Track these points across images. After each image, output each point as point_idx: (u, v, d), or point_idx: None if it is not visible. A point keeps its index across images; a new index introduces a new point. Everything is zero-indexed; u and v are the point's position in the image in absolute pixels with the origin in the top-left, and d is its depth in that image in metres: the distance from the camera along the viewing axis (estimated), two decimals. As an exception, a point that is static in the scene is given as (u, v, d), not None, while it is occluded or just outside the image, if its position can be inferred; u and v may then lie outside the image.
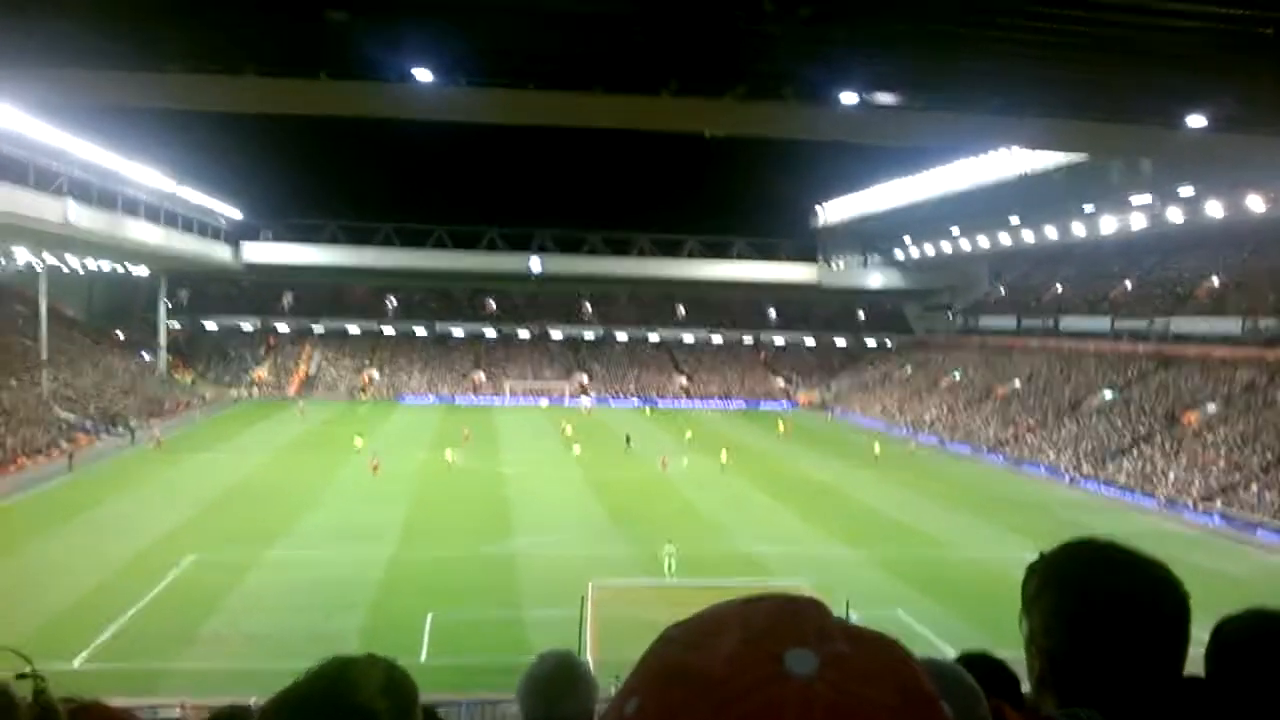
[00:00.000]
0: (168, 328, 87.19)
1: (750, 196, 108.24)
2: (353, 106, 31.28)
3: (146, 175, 65.71)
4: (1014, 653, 3.05)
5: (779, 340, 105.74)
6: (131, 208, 67.10)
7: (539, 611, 26.35)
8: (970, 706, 1.97)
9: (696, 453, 57.17)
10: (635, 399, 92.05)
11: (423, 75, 27.51)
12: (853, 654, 0.67)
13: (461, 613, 26.97)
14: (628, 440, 60.65)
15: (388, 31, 23.86)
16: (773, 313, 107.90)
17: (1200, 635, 1.64)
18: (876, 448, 61.12)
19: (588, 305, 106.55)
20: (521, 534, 36.66)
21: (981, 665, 2.83)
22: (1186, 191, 61.19)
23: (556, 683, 2.91)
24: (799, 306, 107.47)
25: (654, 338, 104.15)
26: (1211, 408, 55.92)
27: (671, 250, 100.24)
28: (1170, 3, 20.69)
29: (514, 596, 28.66)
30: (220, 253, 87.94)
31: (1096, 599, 1.54)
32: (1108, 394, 64.64)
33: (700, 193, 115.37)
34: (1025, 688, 1.84)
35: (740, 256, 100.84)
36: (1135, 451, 54.01)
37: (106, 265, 77.84)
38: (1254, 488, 44.64)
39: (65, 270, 72.46)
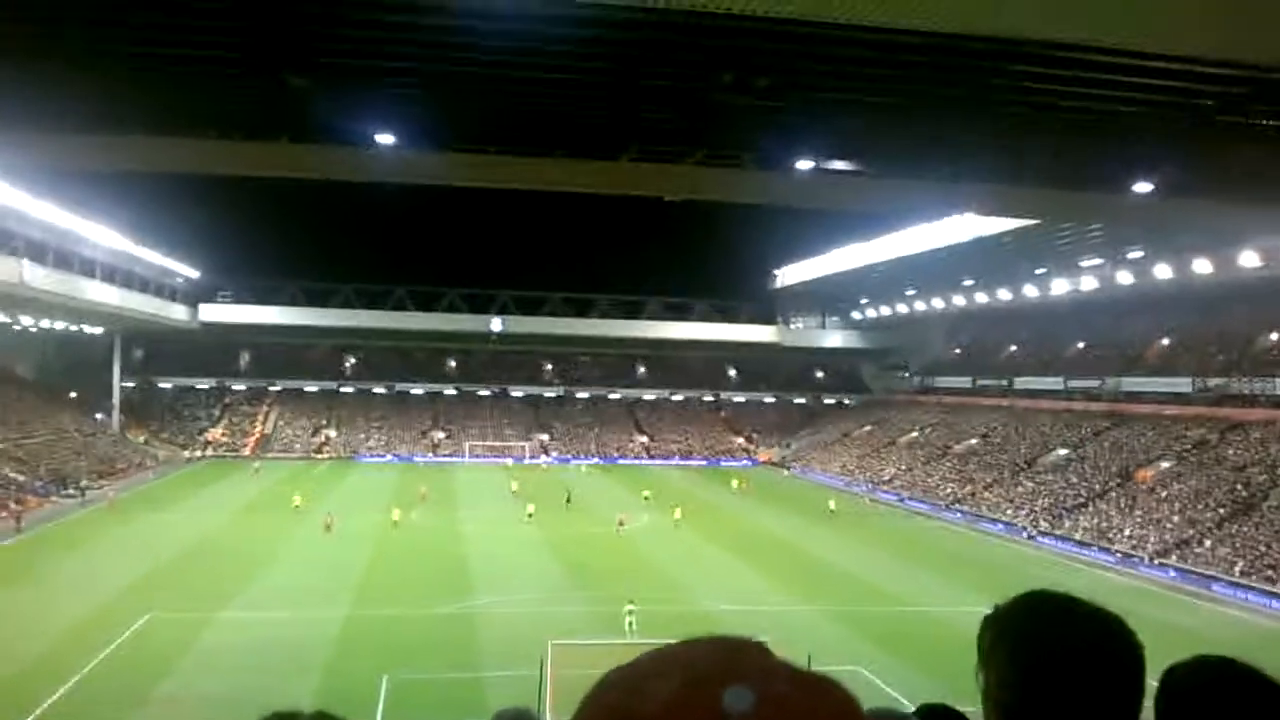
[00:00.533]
0: (121, 387, 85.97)
1: (710, 259, 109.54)
2: (315, 169, 31.40)
3: (104, 235, 65.28)
4: (974, 708, 3.22)
5: (739, 399, 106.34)
6: (88, 268, 66.53)
7: (497, 672, 26.09)
8: None
9: (655, 511, 57.03)
10: (597, 457, 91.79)
11: (385, 139, 27.78)
12: (793, 694, 0.66)
13: (418, 673, 26.65)
14: (568, 498, 60.63)
15: (349, 96, 24.13)
16: (732, 372, 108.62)
17: (1153, 686, 1.65)
18: (831, 504, 61.75)
19: (548, 365, 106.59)
20: (479, 593, 36.32)
21: (941, 718, 2.95)
22: (1135, 255, 62.69)
23: None
24: (758, 366, 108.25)
25: (615, 396, 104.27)
26: (1164, 464, 56.83)
27: (632, 311, 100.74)
28: (1117, 75, 21.46)
29: (472, 656, 28.35)
30: (177, 313, 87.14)
31: (1051, 651, 1.53)
32: (1062, 451, 65.49)
33: (661, 255, 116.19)
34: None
35: (701, 318, 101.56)
36: (1091, 508, 54.65)
37: (60, 324, 76.89)
38: (1208, 543, 45.29)
39: (17, 329, 71.49)
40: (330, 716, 1.33)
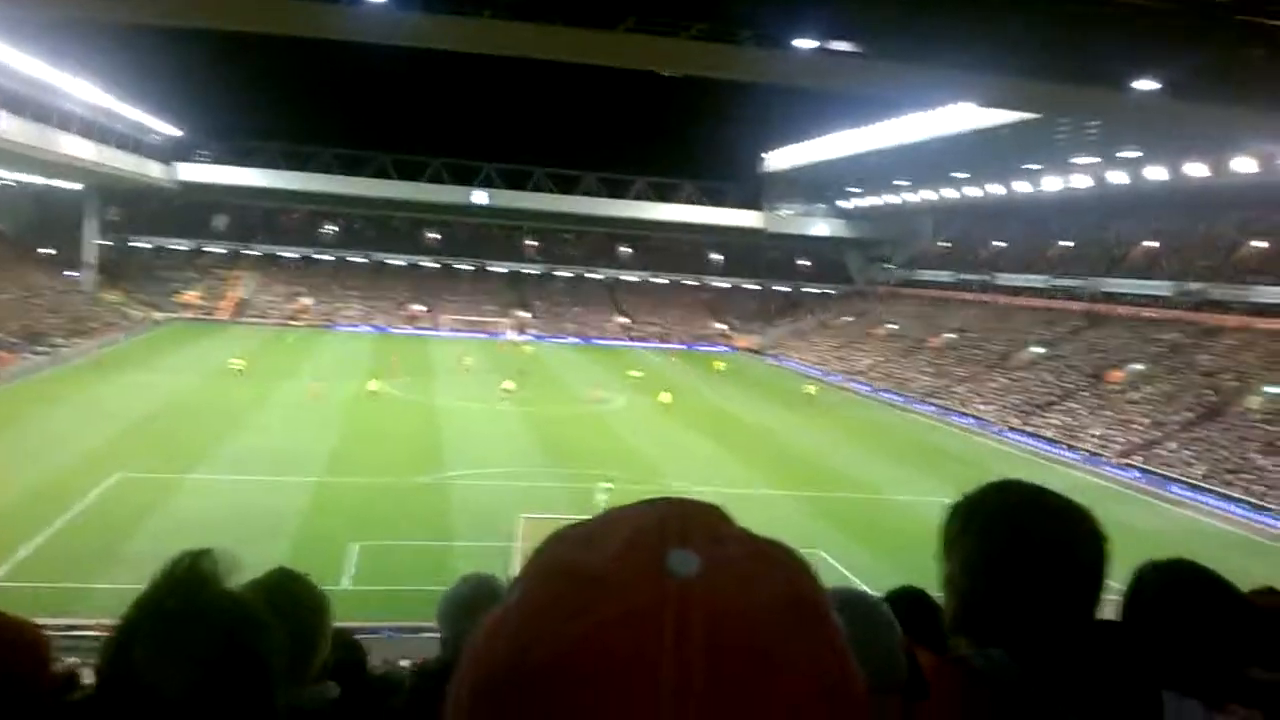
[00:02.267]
0: (96, 246, 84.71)
1: (700, 140, 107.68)
2: (301, 26, 30.39)
3: (83, 89, 63.37)
4: (933, 595, 3.08)
5: (721, 284, 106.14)
6: (65, 122, 64.75)
7: (467, 542, 26.42)
8: (877, 636, 1.96)
9: (637, 393, 57.31)
10: (575, 338, 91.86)
11: (373, -5, 26.82)
12: (741, 559, 0.65)
13: (387, 540, 27.01)
14: (519, 371, 59.42)
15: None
16: (716, 256, 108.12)
17: (1110, 585, 1.64)
18: (811, 389, 63.29)
19: (530, 241, 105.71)
20: (453, 466, 36.57)
21: (906, 600, 2.83)
22: (1131, 154, 62.10)
23: (476, 603, 2.91)
24: (742, 251, 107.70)
25: (596, 276, 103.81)
26: (1137, 367, 57.37)
27: (619, 190, 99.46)
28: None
29: (443, 527, 28.67)
30: (154, 170, 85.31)
31: (1016, 541, 1.53)
32: (1038, 349, 65.98)
33: (650, 134, 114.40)
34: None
35: (687, 200, 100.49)
36: (1061, 406, 55.32)
37: (35, 179, 75.24)
38: (1172, 445, 46.05)
39: (-10, 181, 70.06)
40: (286, 570, 1.28)
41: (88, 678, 3.15)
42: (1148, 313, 64.03)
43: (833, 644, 0.65)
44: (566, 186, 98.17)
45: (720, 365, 76.39)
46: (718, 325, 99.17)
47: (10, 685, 2.03)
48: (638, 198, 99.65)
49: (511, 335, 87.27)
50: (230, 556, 1.33)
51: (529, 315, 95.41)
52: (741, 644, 0.60)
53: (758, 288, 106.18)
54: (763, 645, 0.61)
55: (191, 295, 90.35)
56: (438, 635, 3.24)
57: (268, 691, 1.25)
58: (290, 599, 1.96)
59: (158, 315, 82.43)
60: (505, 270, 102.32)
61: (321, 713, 2.08)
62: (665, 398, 53.51)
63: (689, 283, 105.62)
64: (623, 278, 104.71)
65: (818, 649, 0.63)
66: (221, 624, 1.23)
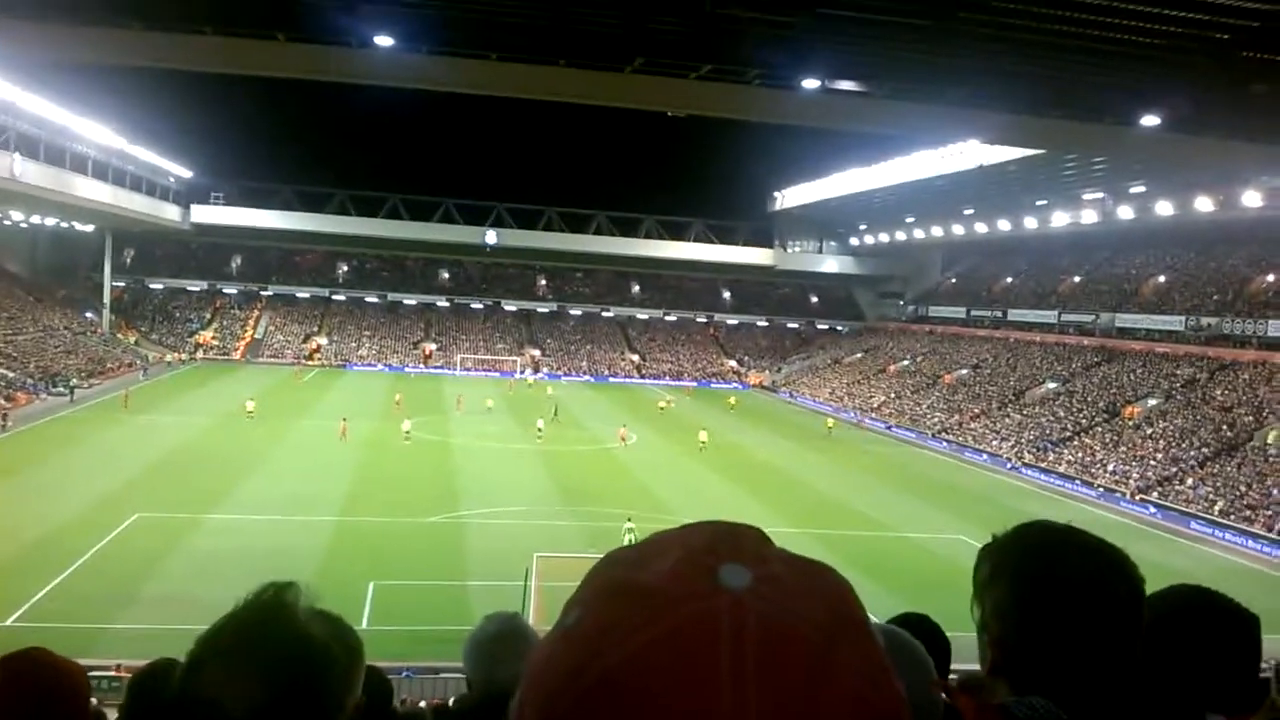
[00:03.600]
0: (112, 287, 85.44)
1: (709, 178, 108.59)
2: (311, 70, 30.80)
3: (97, 132, 64.29)
4: (949, 632, 3.12)
5: (732, 321, 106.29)
6: (80, 165, 65.62)
7: (483, 582, 26.36)
8: (911, 674, 1.97)
9: (657, 431, 57.29)
10: (588, 375, 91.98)
11: (384, 41, 27.19)
12: (787, 575, 0.70)
13: (404, 580, 27.00)
14: (555, 412, 59.99)
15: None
16: (727, 294, 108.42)
17: None
18: (830, 422, 64.37)
19: (542, 280, 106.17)
20: (467, 505, 36.57)
21: (909, 626, 2.87)
22: (1137, 190, 62.29)
23: (502, 643, 2.92)
24: (753, 289, 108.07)
25: (608, 314, 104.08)
26: (1152, 401, 57.13)
27: (629, 229, 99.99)
28: (1133, 4, 21.01)
29: (458, 566, 28.64)
30: (169, 213, 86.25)
31: (1050, 584, 1.49)
32: (1051, 385, 65.77)
33: (660, 173, 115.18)
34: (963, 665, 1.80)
35: (698, 238, 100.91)
36: (1076, 442, 55.05)
37: (51, 221, 76.08)
38: (1189, 481, 45.73)
39: (8, 224, 70.76)
40: (323, 612, 1.35)
41: (110, 716, 3.24)
42: (1161, 348, 63.85)
43: (874, 656, 0.69)
44: (577, 225, 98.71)
45: (732, 400, 76.88)
46: (729, 362, 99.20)
47: None
48: (648, 236, 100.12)
49: (528, 374, 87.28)
50: (313, 591, 1.37)
51: (541, 354, 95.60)
52: (793, 653, 0.64)
53: (769, 324, 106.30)
54: (813, 655, 0.64)
55: (207, 336, 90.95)
56: (457, 675, 3.25)
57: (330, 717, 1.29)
58: (332, 620, 2.02)
59: (173, 356, 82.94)
60: (517, 309, 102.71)
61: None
62: (703, 436, 53.60)
63: (700, 320, 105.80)
64: (634, 315, 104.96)
65: (863, 662, 0.67)
66: (295, 653, 1.26)
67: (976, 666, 1.75)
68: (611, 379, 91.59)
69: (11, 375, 57.03)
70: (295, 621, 1.29)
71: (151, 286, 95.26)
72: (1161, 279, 71.75)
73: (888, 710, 0.66)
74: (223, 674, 1.23)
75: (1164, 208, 61.39)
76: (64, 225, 79.06)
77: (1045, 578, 1.50)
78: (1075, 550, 1.53)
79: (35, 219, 73.58)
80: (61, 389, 58.57)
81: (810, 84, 29.25)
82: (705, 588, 0.66)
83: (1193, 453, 48.68)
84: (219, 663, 1.24)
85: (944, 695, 1.69)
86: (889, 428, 67.64)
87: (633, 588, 0.68)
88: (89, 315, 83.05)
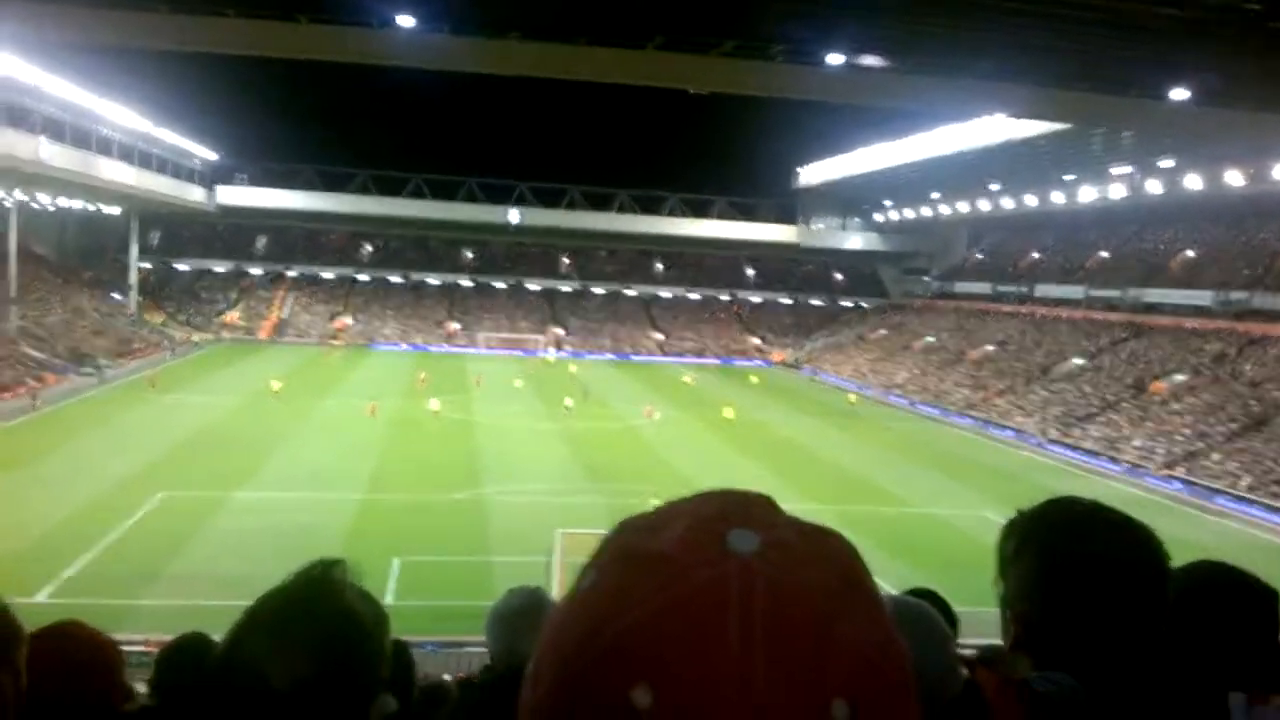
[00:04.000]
0: (139, 268, 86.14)
1: (732, 156, 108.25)
2: (333, 51, 30.86)
3: (122, 114, 64.64)
4: (970, 608, 3.13)
5: (756, 299, 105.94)
6: (105, 147, 66.06)
7: (506, 558, 26.55)
8: (931, 648, 1.89)
9: (674, 407, 57.33)
10: (610, 354, 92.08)
11: (405, 21, 27.19)
12: (796, 540, 0.72)
13: (428, 555, 27.24)
14: (585, 393, 60.07)
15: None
16: (750, 271, 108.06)
17: None
18: (852, 398, 65.60)
19: (565, 259, 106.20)
20: (491, 482, 36.77)
21: (925, 596, 2.89)
22: (1166, 164, 61.52)
23: (524, 617, 2.96)
24: (777, 266, 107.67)
25: (631, 293, 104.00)
26: (1179, 377, 56.63)
27: (652, 207, 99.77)
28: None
29: (482, 542, 28.84)
30: (194, 194, 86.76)
31: (1075, 561, 1.49)
32: (1078, 361, 65.29)
33: (682, 150, 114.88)
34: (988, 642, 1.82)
35: (720, 216, 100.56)
36: (1102, 417, 54.69)
37: (78, 204, 76.70)
38: (1216, 456, 45.37)
39: (36, 207, 71.37)
40: (365, 593, 1.38)
41: (139, 690, 3.30)
42: (1190, 323, 63.20)
43: (881, 621, 0.71)
44: (600, 204, 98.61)
45: (754, 379, 77.03)
46: (753, 340, 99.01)
47: (92, 695, 2.19)
48: (671, 214, 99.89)
49: (550, 353, 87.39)
50: (356, 573, 1.40)
51: (565, 332, 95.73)
52: (799, 615, 0.66)
53: (792, 302, 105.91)
54: (818, 617, 0.66)
55: (233, 316, 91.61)
56: (480, 649, 3.28)
57: (366, 702, 1.31)
58: (378, 606, 2.10)
59: (200, 336, 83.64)
60: (541, 288, 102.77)
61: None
62: (729, 412, 53.94)
63: (723, 298, 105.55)
64: (657, 293, 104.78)
65: (869, 627, 0.69)
66: (340, 629, 1.29)
67: (987, 641, 1.76)
68: (634, 357, 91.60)
69: (41, 356, 57.69)
70: (342, 598, 1.32)
71: (178, 268, 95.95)
72: (1190, 254, 70.94)
73: (893, 674, 0.68)
74: (267, 645, 1.25)
75: (1193, 181, 60.64)
76: (91, 208, 79.65)
77: (1070, 554, 1.50)
78: (1101, 527, 1.53)
79: (62, 202, 74.14)
80: (90, 369, 59.20)
81: (834, 59, 29.04)
82: (715, 554, 0.68)
83: (1220, 428, 48.27)
84: (264, 634, 1.26)
85: (965, 669, 1.68)
86: (913, 404, 67.38)
87: (645, 553, 0.70)
88: (116, 296, 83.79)
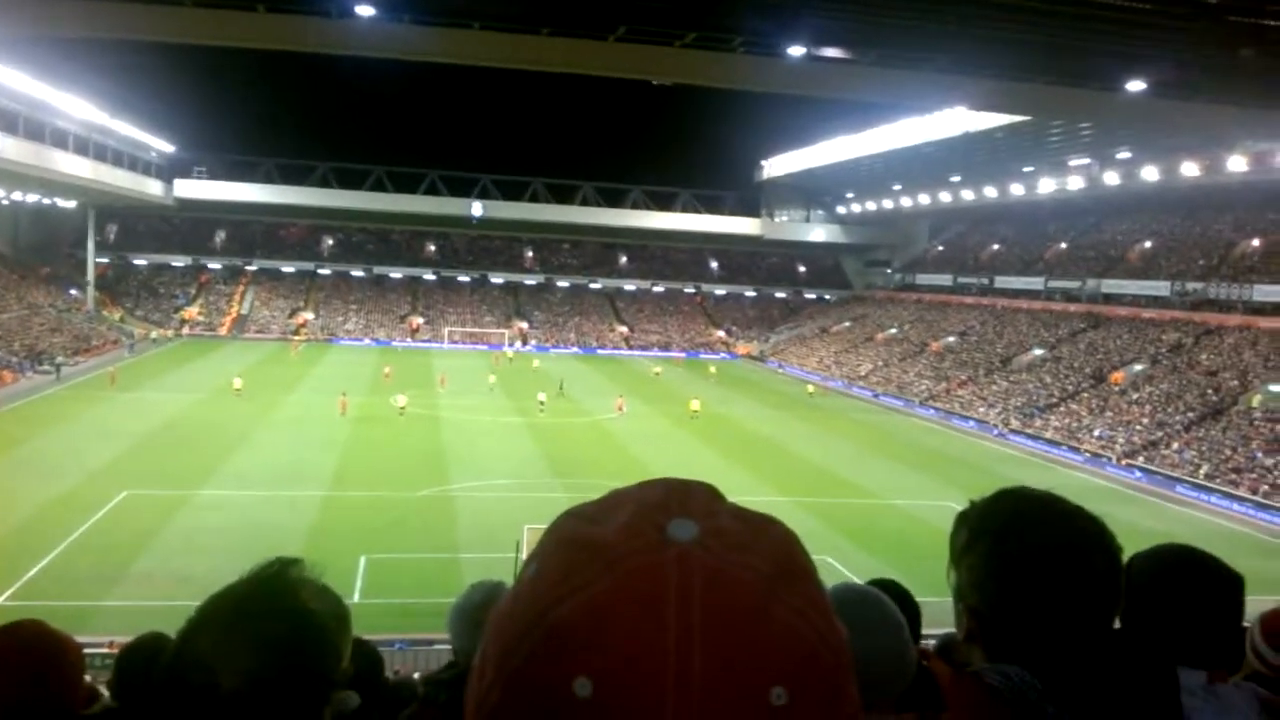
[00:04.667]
0: (96, 264, 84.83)
1: (696, 148, 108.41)
2: (292, 41, 30.51)
3: (77, 106, 63.53)
4: (934, 598, 3.14)
5: (720, 292, 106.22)
6: (60, 139, 64.93)
7: (474, 554, 26.45)
8: (884, 635, 1.96)
9: (640, 400, 57.34)
10: (576, 347, 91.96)
11: (364, 10, 26.91)
12: (734, 527, 0.72)
13: (395, 553, 27.06)
14: (560, 387, 60.04)
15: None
16: (715, 264, 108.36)
17: None
18: (810, 388, 67.14)
19: (529, 252, 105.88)
20: (457, 478, 36.63)
21: (886, 591, 2.89)
22: (1123, 155, 62.36)
23: (483, 611, 2.89)
24: (741, 259, 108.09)
25: (595, 286, 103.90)
26: (1138, 367, 57.44)
27: (616, 199, 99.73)
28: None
29: (449, 539, 28.72)
30: (152, 188, 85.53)
31: (1025, 553, 1.48)
32: (1038, 352, 66.05)
33: (646, 143, 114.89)
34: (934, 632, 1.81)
35: (685, 208, 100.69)
36: (1063, 408, 55.37)
37: (32, 197, 75.42)
38: (1175, 445, 46.07)
39: (-12, 201, 70.17)
40: (324, 588, 1.38)
41: (103, 693, 3.24)
42: (1148, 313, 64.18)
43: (820, 607, 0.71)
44: (564, 196, 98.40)
45: (712, 370, 77.74)
46: (718, 333, 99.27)
47: (51, 698, 2.13)
48: (635, 206, 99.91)
49: (509, 348, 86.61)
50: (317, 571, 1.39)
51: (529, 326, 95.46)
52: (737, 602, 0.67)
53: (757, 294, 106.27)
54: (756, 604, 0.67)
55: (192, 311, 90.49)
56: (449, 646, 3.24)
57: (320, 700, 1.30)
58: (339, 605, 2.07)
59: (159, 332, 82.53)
60: (504, 281, 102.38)
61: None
62: (695, 404, 54.10)
63: (688, 290, 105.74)
64: (622, 286, 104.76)
65: (806, 606, 0.70)
66: (292, 627, 1.27)
67: (952, 630, 1.75)
68: (600, 351, 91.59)
69: (-4, 353, 56.70)
70: (295, 597, 1.30)
71: (135, 263, 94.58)
72: (1147, 244, 72.02)
73: (828, 652, 0.69)
74: (218, 643, 1.23)
75: (1149, 173, 61.55)
76: (46, 201, 78.35)
77: (1021, 545, 1.49)
78: (1052, 518, 1.52)
79: (16, 195, 72.86)
80: (47, 367, 58.27)
81: (795, 51, 29.11)
82: (654, 541, 0.69)
83: (1178, 417, 49.02)
84: (214, 631, 1.24)
85: (921, 659, 1.68)
86: (876, 395, 67.87)
87: (586, 541, 0.71)
88: (73, 292, 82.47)
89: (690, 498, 0.75)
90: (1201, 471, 42.62)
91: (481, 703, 0.70)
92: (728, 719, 0.64)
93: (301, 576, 1.34)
